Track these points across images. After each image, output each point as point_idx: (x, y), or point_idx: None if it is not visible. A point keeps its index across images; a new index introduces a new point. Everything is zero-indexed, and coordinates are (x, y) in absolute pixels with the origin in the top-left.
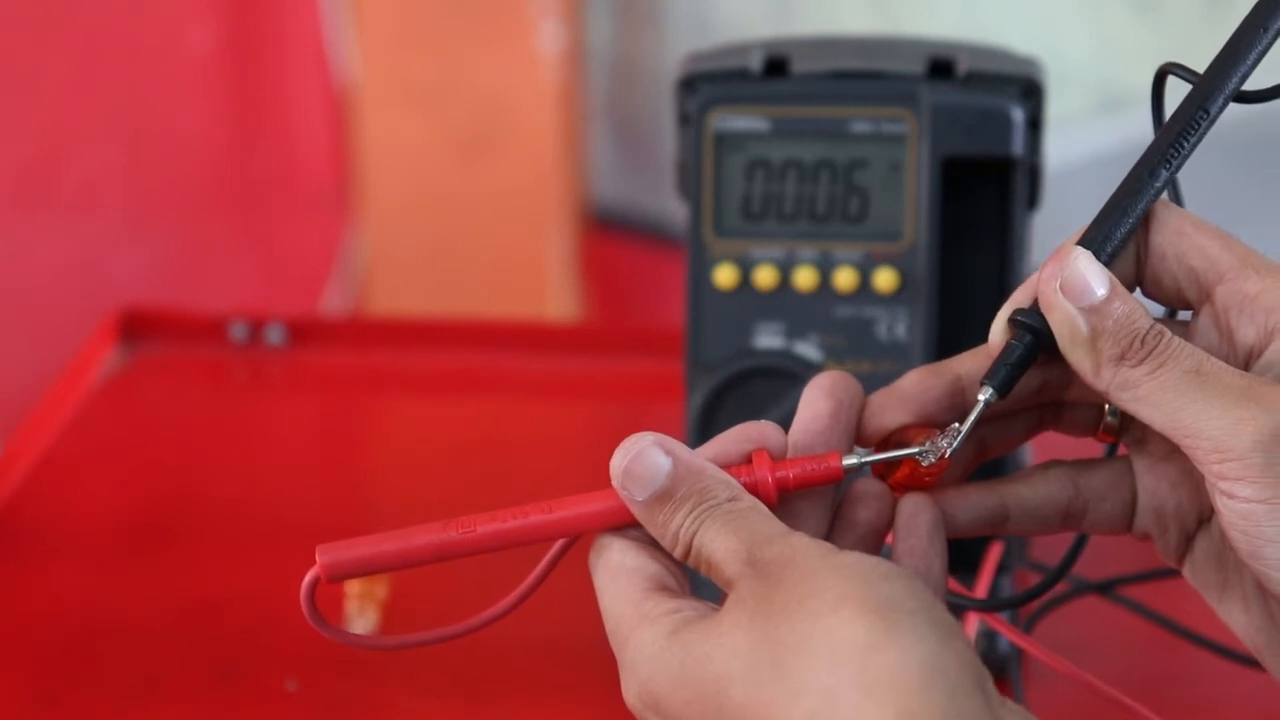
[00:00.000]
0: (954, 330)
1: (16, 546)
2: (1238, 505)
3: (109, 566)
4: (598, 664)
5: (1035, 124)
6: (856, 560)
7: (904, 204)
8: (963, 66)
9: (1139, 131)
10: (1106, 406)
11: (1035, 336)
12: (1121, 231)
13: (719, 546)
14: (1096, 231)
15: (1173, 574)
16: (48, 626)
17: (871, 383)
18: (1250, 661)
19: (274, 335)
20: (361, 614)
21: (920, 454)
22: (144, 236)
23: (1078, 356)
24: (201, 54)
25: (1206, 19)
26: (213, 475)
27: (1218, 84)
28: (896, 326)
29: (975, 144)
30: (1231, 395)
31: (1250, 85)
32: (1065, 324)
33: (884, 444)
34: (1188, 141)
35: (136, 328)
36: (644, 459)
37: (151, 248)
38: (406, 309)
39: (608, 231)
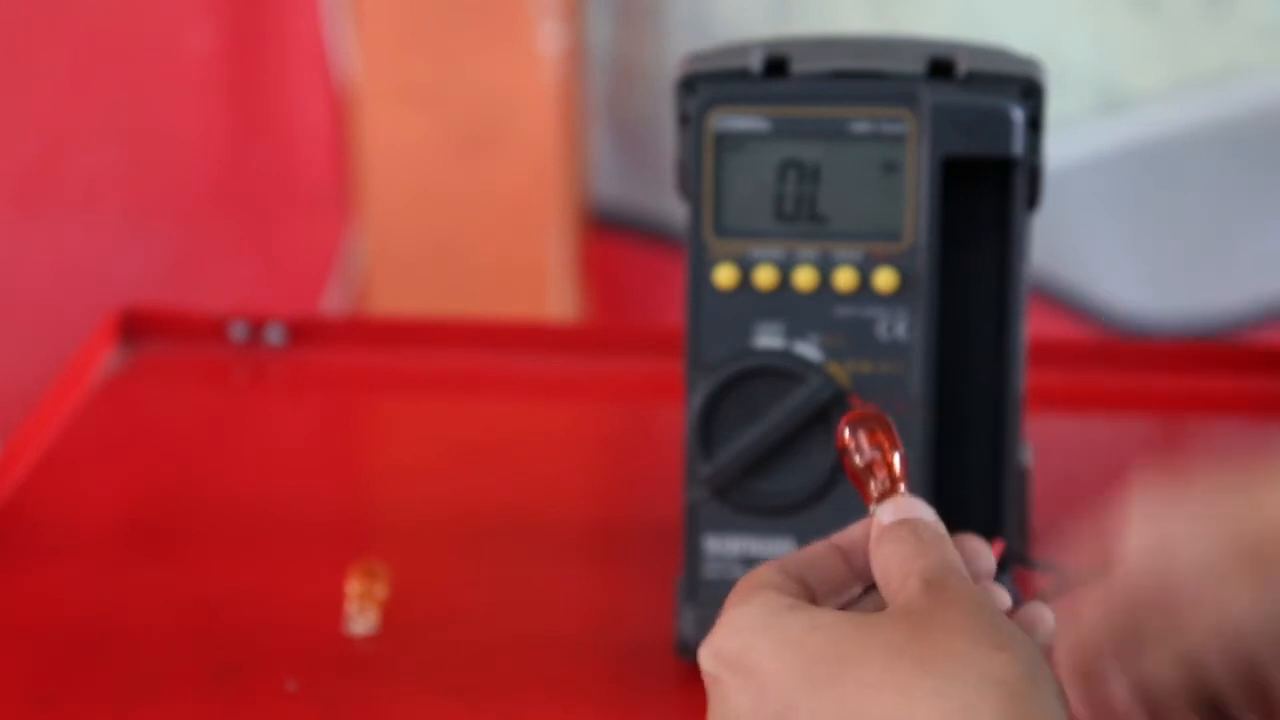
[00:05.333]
0: (954, 330)
1: (16, 546)
2: None
3: (109, 566)
4: (599, 662)
5: (1035, 124)
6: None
7: (904, 204)
8: (963, 66)
9: (1139, 132)
10: None
11: None
12: None
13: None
14: None
15: None
16: (48, 626)
17: (872, 383)
18: None
19: (274, 335)
20: (361, 614)
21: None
22: (144, 236)
23: None
24: (201, 54)
25: (1206, 19)
26: (213, 475)
27: None
28: (896, 326)
29: (975, 144)
30: None
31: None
32: None
33: None
34: None
35: (136, 328)
36: None
37: (151, 248)
38: (406, 309)
39: (608, 231)
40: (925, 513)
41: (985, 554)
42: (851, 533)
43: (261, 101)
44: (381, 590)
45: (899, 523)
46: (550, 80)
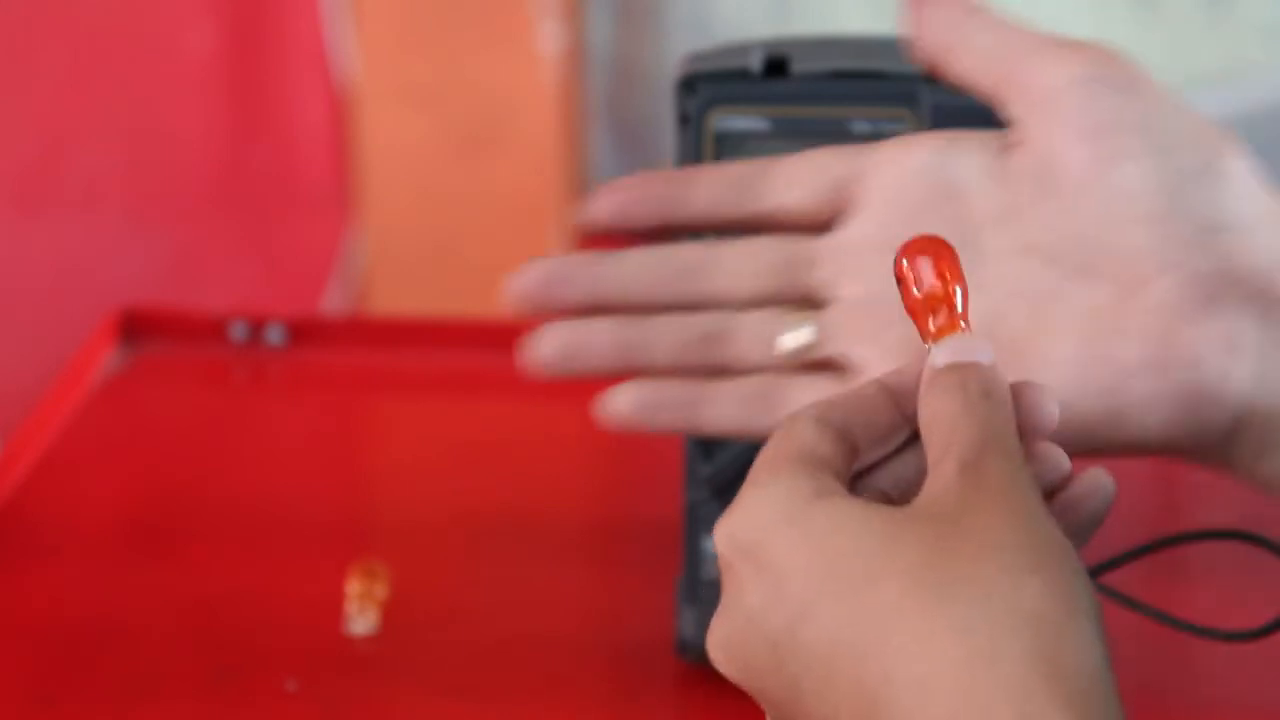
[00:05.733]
0: None
1: (16, 546)
2: None
3: (109, 566)
4: (599, 662)
5: None
6: (1059, 532)
7: None
8: None
9: None
10: None
11: None
12: None
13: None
14: None
15: (1141, 555)
16: (48, 626)
17: None
18: (1222, 636)
19: (274, 335)
20: (361, 614)
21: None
22: (144, 236)
23: None
24: (201, 54)
25: (1206, 19)
26: (213, 475)
27: None
28: None
29: None
30: None
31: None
32: None
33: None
34: None
35: (136, 328)
36: None
37: (151, 248)
38: (406, 309)
39: (608, 231)
40: (983, 356)
41: (1045, 407)
42: (905, 372)
43: (261, 101)
44: (381, 590)
45: (950, 369)
46: (550, 80)
